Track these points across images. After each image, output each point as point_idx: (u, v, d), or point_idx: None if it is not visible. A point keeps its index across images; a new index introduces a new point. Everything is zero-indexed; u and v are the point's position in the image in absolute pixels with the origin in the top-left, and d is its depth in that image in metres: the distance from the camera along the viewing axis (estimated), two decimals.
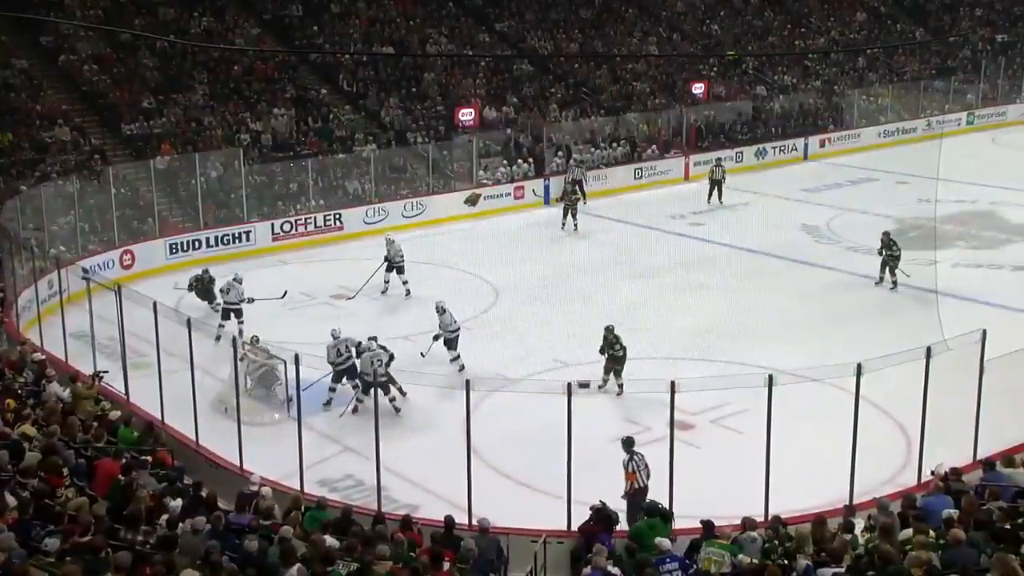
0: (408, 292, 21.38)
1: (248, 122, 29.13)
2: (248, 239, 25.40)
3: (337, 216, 26.84)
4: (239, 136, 28.40)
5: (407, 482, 13.28)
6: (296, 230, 26.18)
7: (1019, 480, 11.14)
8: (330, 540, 9.72)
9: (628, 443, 12.30)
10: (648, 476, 12.04)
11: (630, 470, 12.00)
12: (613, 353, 16.30)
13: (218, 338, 17.31)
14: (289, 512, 10.78)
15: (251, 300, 19.11)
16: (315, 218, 26.51)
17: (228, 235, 25.18)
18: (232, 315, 18.94)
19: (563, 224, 27.20)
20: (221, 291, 19.54)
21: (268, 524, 10.31)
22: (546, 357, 17.64)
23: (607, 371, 16.23)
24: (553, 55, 37.33)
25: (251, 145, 28.31)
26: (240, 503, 11.02)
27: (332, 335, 16.20)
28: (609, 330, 16.42)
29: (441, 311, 17.41)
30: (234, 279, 19.35)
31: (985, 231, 25.78)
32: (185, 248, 24.38)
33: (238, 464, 13.13)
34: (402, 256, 21.53)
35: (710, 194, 29.49)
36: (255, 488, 11.41)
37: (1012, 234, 25.40)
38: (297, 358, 13.54)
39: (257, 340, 16.39)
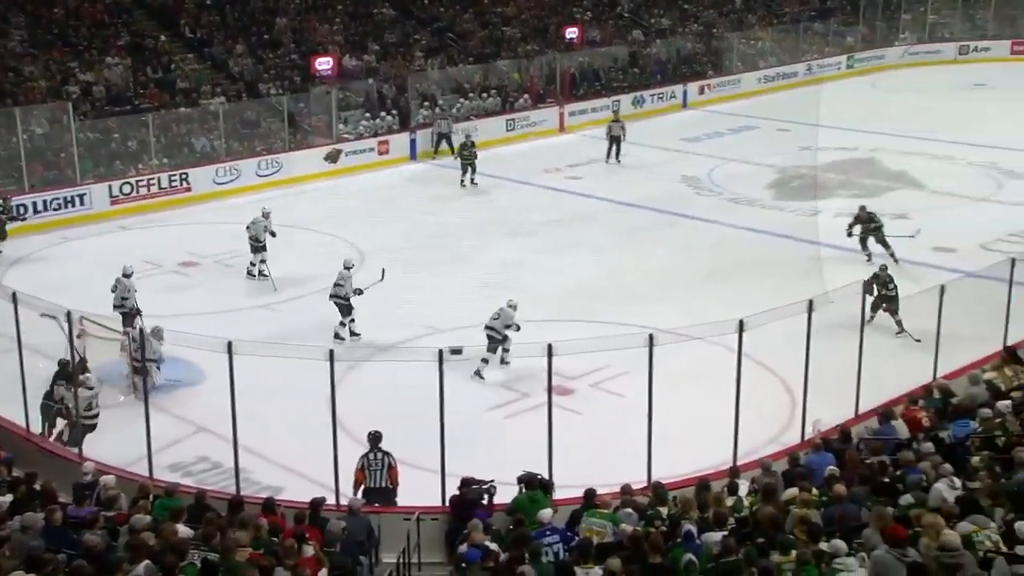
0: (261, 274, 20.07)
1: (77, 72, 27.95)
2: (83, 203, 24.43)
3: (184, 176, 26.08)
4: (66, 88, 27.23)
5: (269, 462, 13.06)
6: (137, 192, 25.33)
7: (900, 432, 11.72)
8: (183, 529, 9.49)
9: (374, 439, 11.79)
10: (385, 479, 11.59)
11: (359, 466, 11.59)
12: (887, 292, 16.78)
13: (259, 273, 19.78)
14: (136, 501, 10.46)
15: (272, 234, 20.13)
16: (159, 179, 25.71)
17: (59, 199, 24.18)
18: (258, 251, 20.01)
19: (462, 181, 27.04)
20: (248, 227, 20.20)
21: (112, 515, 10.02)
22: (416, 323, 17.59)
23: (874, 309, 16.53)
24: None
25: (81, 98, 27.18)
26: (78, 495, 10.65)
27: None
28: (883, 269, 17.16)
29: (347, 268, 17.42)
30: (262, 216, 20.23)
31: (866, 179, 26.76)
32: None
33: (76, 452, 12.70)
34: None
35: (609, 152, 29.09)
36: (89, 477, 11.05)
37: (892, 181, 26.44)
38: (142, 333, 13.20)
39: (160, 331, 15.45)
